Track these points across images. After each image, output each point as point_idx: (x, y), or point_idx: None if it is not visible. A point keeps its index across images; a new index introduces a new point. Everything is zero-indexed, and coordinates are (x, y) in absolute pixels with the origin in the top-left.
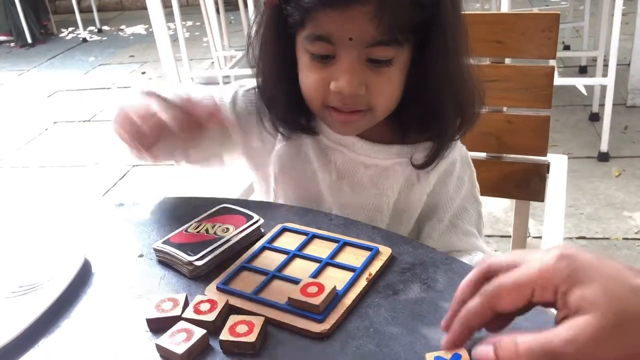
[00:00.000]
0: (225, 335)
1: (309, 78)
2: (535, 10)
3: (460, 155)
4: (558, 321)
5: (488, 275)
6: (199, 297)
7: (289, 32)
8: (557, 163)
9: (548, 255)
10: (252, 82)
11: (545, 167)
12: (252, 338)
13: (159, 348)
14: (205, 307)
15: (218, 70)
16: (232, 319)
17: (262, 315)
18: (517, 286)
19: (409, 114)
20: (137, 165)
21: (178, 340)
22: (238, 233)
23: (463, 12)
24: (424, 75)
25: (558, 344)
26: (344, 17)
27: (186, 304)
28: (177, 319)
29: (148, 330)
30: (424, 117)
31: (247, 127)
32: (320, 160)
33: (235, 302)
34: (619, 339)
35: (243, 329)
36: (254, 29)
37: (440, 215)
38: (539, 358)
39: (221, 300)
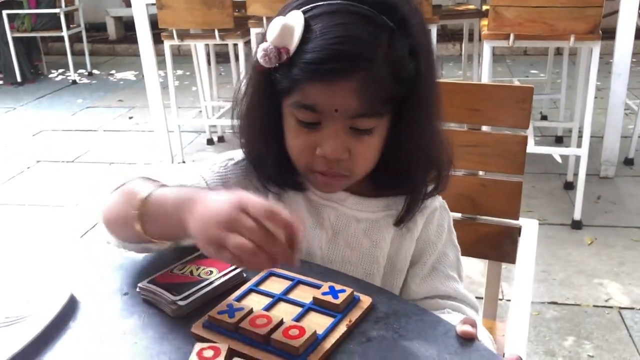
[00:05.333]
0: None
1: (295, 142)
2: (516, 81)
3: (440, 203)
4: None
5: None
6: (198, 345)
7: (276, 95)
8: (528, 227)
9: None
10: (240, 154)
11: (517, 231)
12: None
13: None
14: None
15: (205, 119)
16: None
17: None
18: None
19: (384, 173)
20: None
21: None
22: (221, 276)
23: (438, 81)
24: (399, 139)
25: None
26: (330, 90)
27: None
28: None
29: None
30: (398, 175)
31: None
32: (313, 218)
33: (219, 339)
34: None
35: None
36: (242, 88)
37: (424, 259)
38: None
39: (223, 346)
